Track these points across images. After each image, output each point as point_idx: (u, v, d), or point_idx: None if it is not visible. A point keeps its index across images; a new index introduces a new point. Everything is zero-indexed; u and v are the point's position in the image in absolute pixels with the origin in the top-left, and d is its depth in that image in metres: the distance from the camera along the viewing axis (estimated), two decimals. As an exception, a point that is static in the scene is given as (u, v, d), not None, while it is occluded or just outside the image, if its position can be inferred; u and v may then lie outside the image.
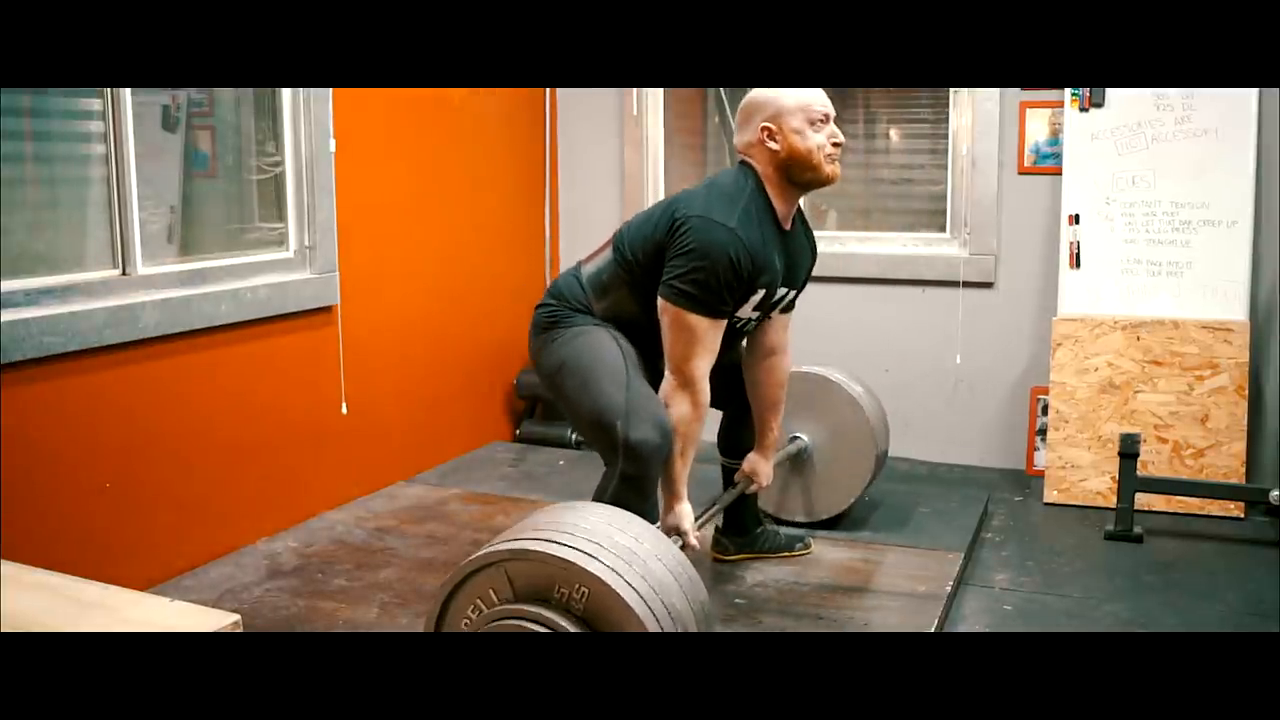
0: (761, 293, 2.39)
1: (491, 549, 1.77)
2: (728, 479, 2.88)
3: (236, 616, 1.43)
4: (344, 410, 3.35)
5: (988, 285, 3.94)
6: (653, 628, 1.67)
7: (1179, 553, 3.18)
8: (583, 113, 4.42)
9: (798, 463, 3.15)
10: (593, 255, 2.56)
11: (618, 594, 1.66)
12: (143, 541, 2.73)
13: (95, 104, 2.63)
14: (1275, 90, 3.45)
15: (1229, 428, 3.44)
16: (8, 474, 2.38)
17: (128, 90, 2.66)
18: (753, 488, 2.76)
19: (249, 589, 2.76)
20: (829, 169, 2.38)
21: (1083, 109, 3.65)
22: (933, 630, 2.53)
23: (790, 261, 2.46)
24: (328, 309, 3.28)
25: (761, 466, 2.73)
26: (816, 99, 2.37)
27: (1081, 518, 3.48)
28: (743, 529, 2.90)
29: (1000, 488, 3.77)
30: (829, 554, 2.98)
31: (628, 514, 1.90)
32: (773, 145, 2.36)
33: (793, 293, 2.55)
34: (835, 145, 2.38)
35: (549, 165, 4.44)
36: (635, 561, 1.74)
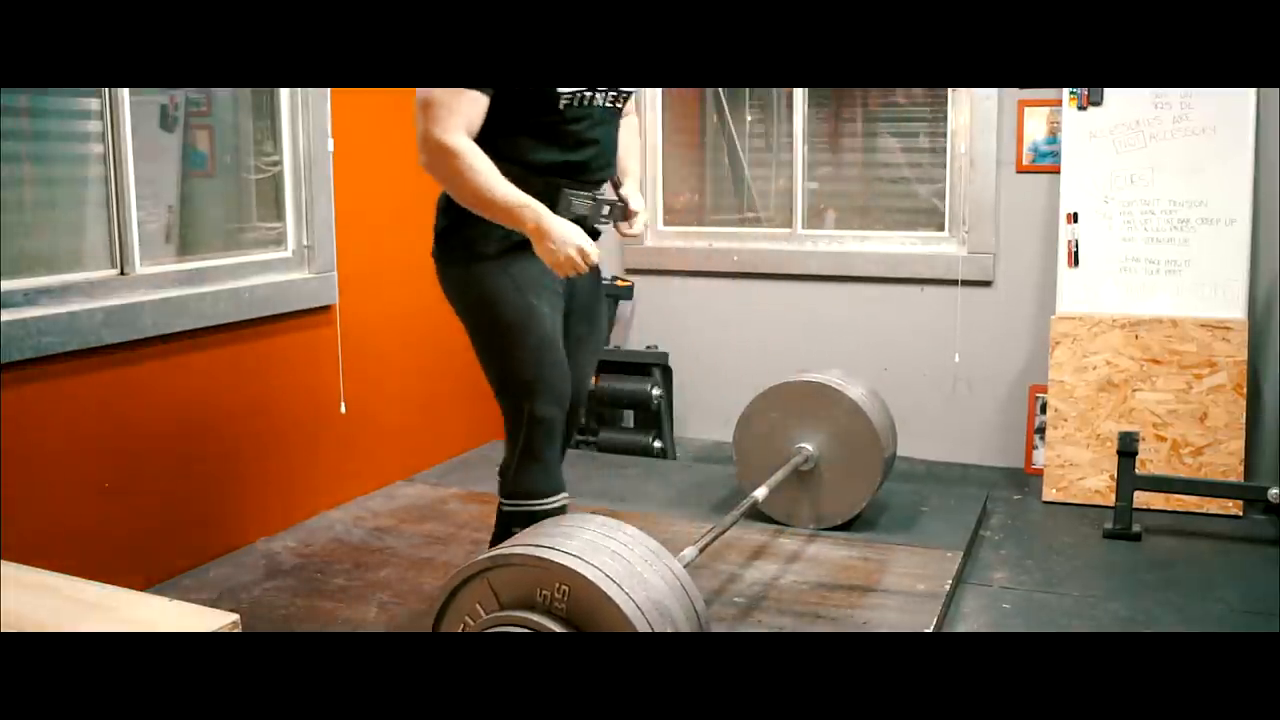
0: None
1: (471, 561, 1.79)
2: (504, 533, 2.29)
3: (235, 616, 1.43)
4: (343, 409, 3.35)
5: (986, 284, 3.94)
6: (639, 623, 1.65)
7: (1178, 551, 3.19)
8: (581, 112, 4.41)
9: (804, 472, 3.12)
10: None
11: (599, 589, 1.65)
12: (142, 541, 2.73)
13: (93, 104, 2.63)
14: (1273, 89, 3.45)
15: (1227, 426, 3.44)
16: (7, 474, 2.38)
17: (126, 90, 2.66)
18: (636, 226, 2.43)
19: (248, 589, 2.76)
20: None
21: (1081, 108, 3.65)
22: (931, 629, 2.54)
23: None
24: (326, 308, 3.28)
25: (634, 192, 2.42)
26: None
27: (1080, 516, 3.48)
28: None
29: (999, 486, 3.78)
30: (828, 553, 2.98)
31: (616, 522, 1.89)
32: None
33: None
34: None
35: (547, 164, 4.44)
36: (619, 561, 1.73)
